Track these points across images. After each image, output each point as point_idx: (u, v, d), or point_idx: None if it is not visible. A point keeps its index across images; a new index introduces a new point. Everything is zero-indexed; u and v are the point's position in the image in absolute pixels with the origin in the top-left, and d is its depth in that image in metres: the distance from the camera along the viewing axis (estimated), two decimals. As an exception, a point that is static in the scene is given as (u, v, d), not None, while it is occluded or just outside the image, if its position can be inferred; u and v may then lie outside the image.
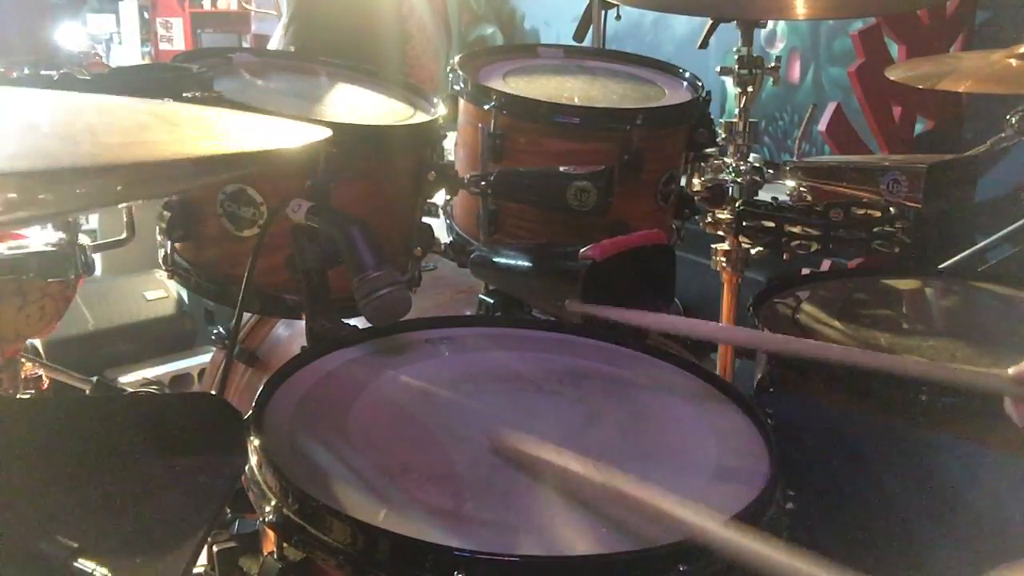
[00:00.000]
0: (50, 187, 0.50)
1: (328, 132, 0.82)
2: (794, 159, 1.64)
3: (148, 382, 2.58)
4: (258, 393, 0.89)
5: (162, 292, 2.87)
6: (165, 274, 1.34)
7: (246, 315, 1.49)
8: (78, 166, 0.54)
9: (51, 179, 0.50)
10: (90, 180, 0.53)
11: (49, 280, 1.20)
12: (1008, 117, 1.63)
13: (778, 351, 0.96)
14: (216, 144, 0.69)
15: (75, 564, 0.62)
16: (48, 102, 0.83)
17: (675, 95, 1.54)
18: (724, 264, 1.65)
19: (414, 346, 1.06)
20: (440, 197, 1.42)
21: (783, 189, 1.61)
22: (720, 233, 1.61)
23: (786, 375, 1.24)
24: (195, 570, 0.67)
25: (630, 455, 0.85)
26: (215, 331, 1.56)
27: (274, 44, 2.68)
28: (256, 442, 0.80)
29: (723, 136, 1.60)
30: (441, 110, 1.38)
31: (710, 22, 1.74)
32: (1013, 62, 1.53)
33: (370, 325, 1.07)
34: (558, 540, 0.71)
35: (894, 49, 2.52)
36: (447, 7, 2.90)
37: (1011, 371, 0.77)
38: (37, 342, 2.23)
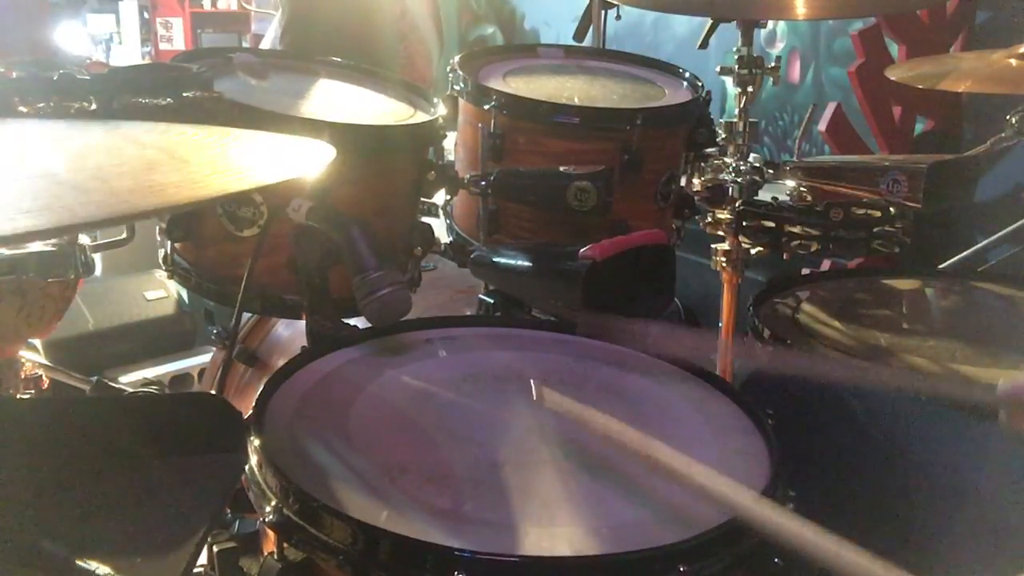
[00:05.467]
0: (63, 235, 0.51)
1: (332, 152, 0.82)
2: (794, 159, 1.64)
3: (148, 382, 2.57)
4: (258, 393, 0.89)
5: (162, 292, 2.87)
6: (165, 274, 1.34)
7: (246, 315, 1.49)
8: (91, 219, 0.55)
9: (64, 232, 0.51)
10: (101, 226, 0.54)
11: (49, 280, 1.20)
12: (1008, 117, 1.63)
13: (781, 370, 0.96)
14: (225, 182, 0.69)
15: (76, 563, 0.62)
16: (60, 140, 0.83)
17: (675, 95, 1.54)
18: (724, 264, 1.65)
19: (414, 346, 1.06)
20: (440, 197, 1.42)
21: (783, 189, 1.61)
22: (720, 233, 1.61)
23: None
24: (195, 570, 0.67)
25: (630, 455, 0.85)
26: (215, 331, 1.56)
27: (268, 43, 2.67)
28: (256, 442, 0.80)
29: (723, 136, 1.60)
30: (441, 110, 1.38)
31: (710, 22, 1.74)
32: (1013, 62, 1.53)
33: (370, 325, 1.07)
34: (558, 540, 0.71)
35: (894, 49, 2.52)
36: (439, 11, 2.90)
37: (1000, 387, 0.78)
38: (37, 342, 2.22)
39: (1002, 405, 0.78)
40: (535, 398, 0.85)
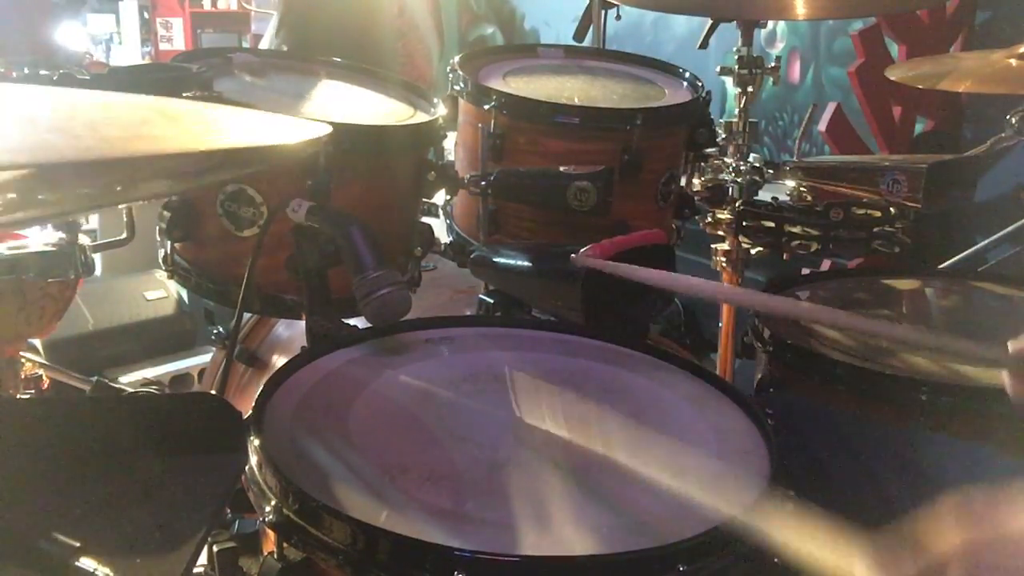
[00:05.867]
0: (50, 182, 0.50)
1: (328, 128, 0.81)
2: (794, 159, 1.64)
3: (148, 382, 2.58)
4: (258, 393, 0.89)
5: (162, 292, 2.87)
6: (165, 274, 1.34)
7: (246, 315, 1.49)
8: (79, 160, 0.53)
9: (51, 172, 0.50)
10: (91, 174, 0.52)
11: (49, 280, 1.20)
12: (1008, 117, 1.63)
13: (776, 312, 0.96)
14: (217, 139, 0.68)
15: (76, 564, 0.62)
16: (48, 97, 0.82)
17: (675, 95, 1.54)
18: (724, 264, 1.66)
19: (414, 346, 1.06)
20: (440, 197, 1.42)
21: (783, 189, 1.61)
22: (720, 233, 1.62)
23: (786, 374, 1.24)
24: (195, 570, 0.67)
25: (630, 455, 0.85)
26: (215, 331, 1.56)
27: (266, 43, 2.67)
28: (256, 442, 0.80)
29: (723, 136, 1.60)
30: (441, 110, 1.38)
31: (710, 22, 1.75)
32: (1013, 62, 1.53)
33: (370, 325, 1.07)
34: (558, 540, 0.71)
35: (894, 49, 2.52)
36: (440, 10, 2.89)
37: (1011, 347, 0.77)
38: (37, 342, 2.23)
39: (1008, 367, 0.77)
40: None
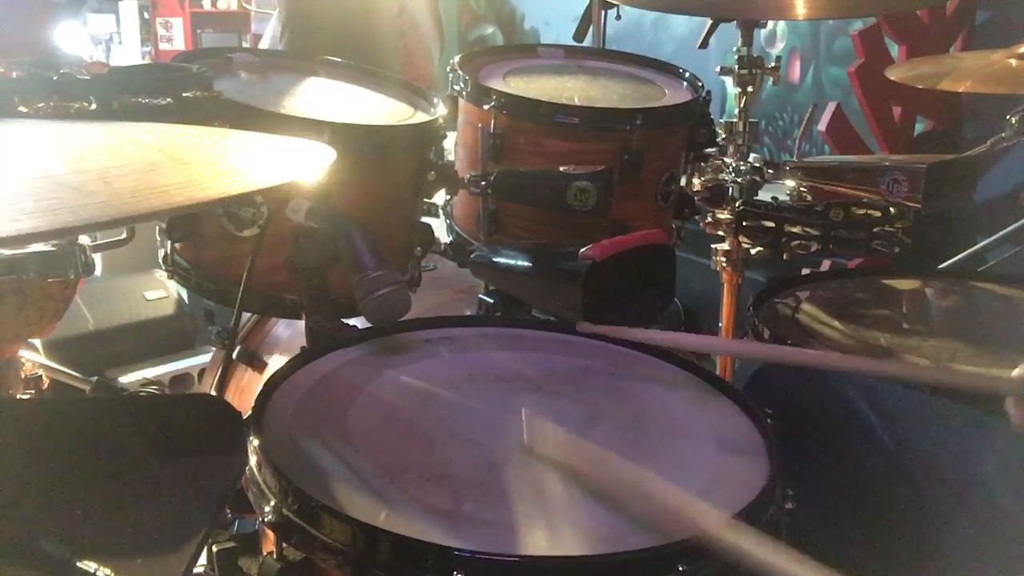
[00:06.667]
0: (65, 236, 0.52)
1: (332, 154, 0.82)
2: (794, 159, 1.64)
3: (148, 382, 2.57)
4: (258, 393, 0.89)
5: (162, 292, 2.87)
6: (165, 274, 1.34)
7: (246, 315, 1.49)
8: (93, 221, 0.55)
9: (67, 233, 0.51)
10: (104, 228, 0.54)
11: (49, 280, 1.20)
12: (1008, 117, 1.63)
13: (782, 361, 0.96)
14: (227, 184, 0.69)
15: (77, 564, 0.62)
16: (61, 141, 0.83)
17: (675, 95, 1.54)
18: (724, 264, 1.65)
19: (414, 346, 1.06)
20: (440, 197, 1.42)
21: (783, 189, 1.61)
22: (720, 233, 1.61)
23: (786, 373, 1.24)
24: (195, 570, 0.68)
25: (630, 455, 0.85)
26: (215, 331, 1.56)
27: (266, 42, 2.66)
28: (256, 442, 0.80)
29: (723, 136, 1.60)
30: (441, 110, 1.38)
31: (710, 22, 1.74)
32: (1013, 62, 1.53)
33: (370, 325, 1.07)
34: (558, 540, 0.71)
35: (894, 49, 2.52)
36: (439, 8, 2.89)
37: (1015, 373, 0.77)
38: (37, 342, 2.22)
39: (1011, 395, 0.77)
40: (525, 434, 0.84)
